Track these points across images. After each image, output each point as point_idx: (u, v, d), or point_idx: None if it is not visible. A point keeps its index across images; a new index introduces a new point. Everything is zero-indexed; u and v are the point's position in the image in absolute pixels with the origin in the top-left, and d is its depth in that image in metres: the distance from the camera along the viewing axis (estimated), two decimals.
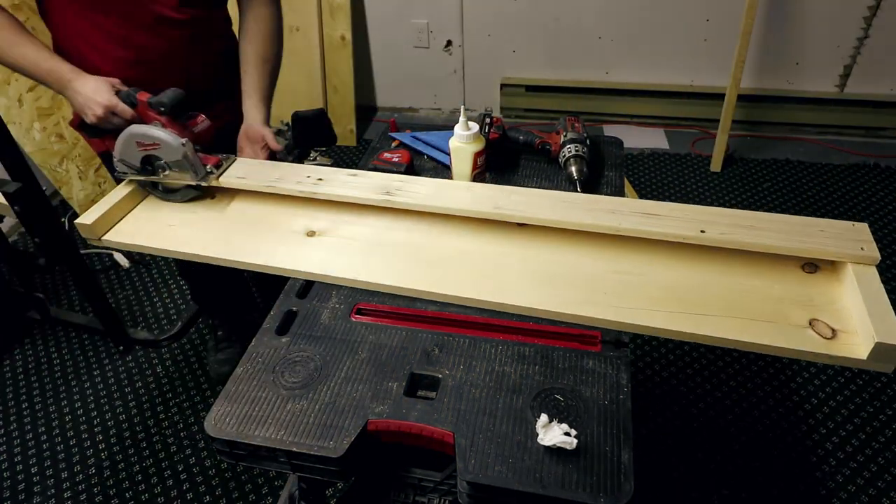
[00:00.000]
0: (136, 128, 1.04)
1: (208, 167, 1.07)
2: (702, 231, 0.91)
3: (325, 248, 1.02)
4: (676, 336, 0.85)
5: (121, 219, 1.11)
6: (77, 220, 1.05)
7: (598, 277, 0.93)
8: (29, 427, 1.78)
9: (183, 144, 1.03)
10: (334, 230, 1.05)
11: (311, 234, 1.05)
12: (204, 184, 1.07)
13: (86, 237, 1.07)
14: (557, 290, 0.91)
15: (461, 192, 1.03)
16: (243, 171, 1.10)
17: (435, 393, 0.82)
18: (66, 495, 1.60)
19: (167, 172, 1.06)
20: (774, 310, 0.86)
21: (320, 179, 1.08)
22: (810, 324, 0.84)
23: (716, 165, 2.62)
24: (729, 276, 0.92)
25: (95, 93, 1.06)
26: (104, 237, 1.07)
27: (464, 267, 0.97)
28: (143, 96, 1.05)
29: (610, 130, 2.82)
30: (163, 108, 1.04)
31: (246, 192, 1.12)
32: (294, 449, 0.76)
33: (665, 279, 0.92)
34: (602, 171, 1.23)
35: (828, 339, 0.81)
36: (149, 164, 1.07)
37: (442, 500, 0.92)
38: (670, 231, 0.92)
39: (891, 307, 0.79)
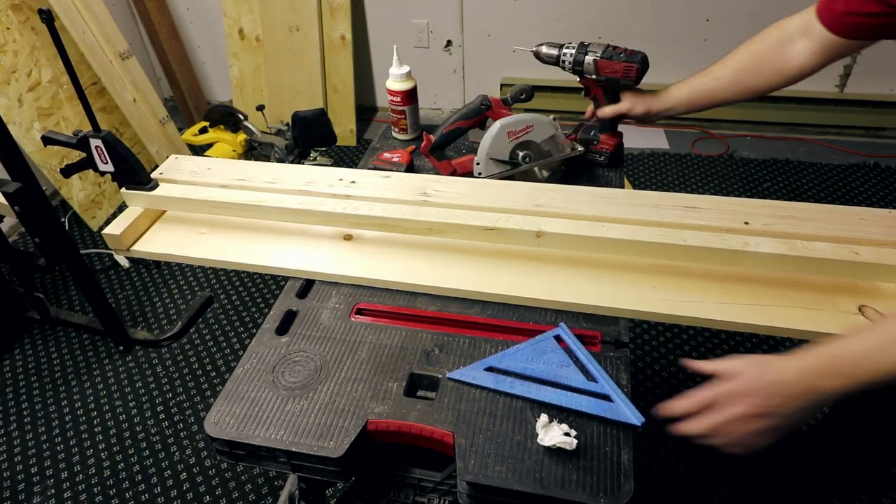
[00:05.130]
0: (504, 120, 1.09)
1: (570, 143, 1.16)
2: (745, 223, 0.91)
3: (365, 251, 1.01)
4: (731, 327, 0.86)
5: (148, 227, 1.10)
6: (105, 231, 1.04)
7: (645, 272, 0.93)
8: (29, 427, 1.78)
9: (554, 119, 1.10)
10: (370, 234, 1.04)
11: (348, 237, 1.04)
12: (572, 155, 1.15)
13: (113, 248, 1.06)
14: (608, 287, 0.91)
15: (499, 191, 1.02)
16: (270, 174, 1.10)
17: (435, 393, 0.82)
18: (66, 495, 1.60)
19: (529, 162, 1.12)
20: (823, 298, 0.87)
21: (353, 182, 1.07)
22: (860, 310, 0.85)
23: None
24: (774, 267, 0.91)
25: None
26: (133, 247, 1.06)
27: (509, 266, 0.96)
28: (494, 98, 1.13)
29: None
30: (523, 96, 1.12)
31: None
32: (294, 449, 0.76)
33: (712, 269, 0.92)
34: (602, 170, 1.23)
35: None
36: (514, 157, 1.12)
37: (442, 500, 0.92)
38: (714, 224, 0.92)
39: None
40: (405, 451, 0.88)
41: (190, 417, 1.77)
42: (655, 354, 1.86)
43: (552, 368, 0.81)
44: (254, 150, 2.36)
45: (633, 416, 0.75)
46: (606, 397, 0.78)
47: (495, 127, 1.09)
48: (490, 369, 0.82)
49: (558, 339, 0.86)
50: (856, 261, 0.85)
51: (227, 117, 2.36)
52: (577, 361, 0.82)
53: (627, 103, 1.15)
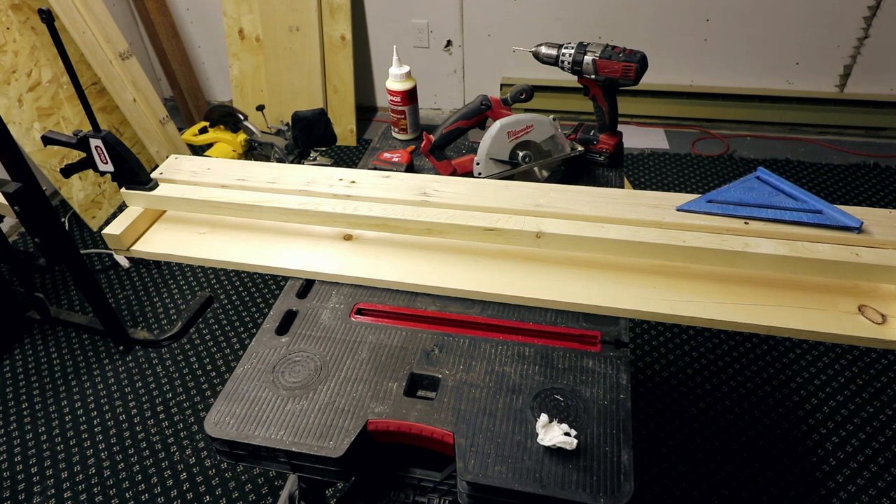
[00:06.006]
0: (503, 120, 1.10)
1: (570, 143, 1.15)
2: (745, 223, 0.91)
3: (365, 251, 1.01)
4: (731, 327, 0.86)
5: (148, 228, 1.10)
6: (105, 231, 1.04)
7: (645, 272, 0.93)
8: (29, 427, 1.78)
9: (554, 119, 1.10)
10: (370, 234, 1.04)
11: (348, 238, 1.05)
12: (571, 155, 1.15)
13: (113, 248, 1.06)
14: (608, 287, 0.91)
15: (499, 192, 1.02)
16: (270, 174, 1.10)
17: (435, 393, 0.82)
18: (66, 495, 1.60)
19: (529, 162, 1.12)
20: (822, 298, 0.87)
21: (353, 182, 1.07)
22: (860, 310, 0.85)
23: None
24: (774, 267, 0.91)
25: None
26: (133, 247, 1.06)
27: (508, 266, 0.96)
28: (494, 98, 1.13)
29: None
30: (523, 96, 1.12)
31: None
32: (294, 449, 0.76)
33: (712, 270, 0.92)
34: (602, 170, 1.23)
35: (878, 324, 0.83)
36: (514, 157, 1.12)
37: (442, 500, 0.91)
38: (716, 224, 0.92)
39: None
40: (405, 451, 0.88)
41: (190, 417, 1.77)
42: (655, 354, 1.86)
43: (764, 197, 0.93)
44: (254, 150, 2.37)
45: (848, 220, 0.87)
46: (817, 211, 0.89)
47: (495, 127, 1.10)
48: (711, 201, 0.94)
49: (759, 179, 0.97)
50: (856, 262, 0.85)
51: (227, 117, 2.36)
52: (783, 192, 0.94)
53: None
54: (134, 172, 1.07)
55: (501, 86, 2.90)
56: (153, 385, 1.87)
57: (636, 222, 0.95)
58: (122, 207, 1.83)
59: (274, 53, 2.84)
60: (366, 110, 3.15)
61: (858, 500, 1.49)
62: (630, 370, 0.83)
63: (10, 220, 1.82)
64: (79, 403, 1.83)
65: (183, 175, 1.13)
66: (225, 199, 1.05)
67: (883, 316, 0.83)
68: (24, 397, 1.86)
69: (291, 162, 2.25)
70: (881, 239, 0.88)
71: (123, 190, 1.09)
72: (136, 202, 1.10)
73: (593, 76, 1.13)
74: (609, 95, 1.17)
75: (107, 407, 1.82)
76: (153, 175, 1.13)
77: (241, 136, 2.34)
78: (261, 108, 2.37)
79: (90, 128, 1.06)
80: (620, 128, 1.23)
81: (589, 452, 0.73)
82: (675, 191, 2.51)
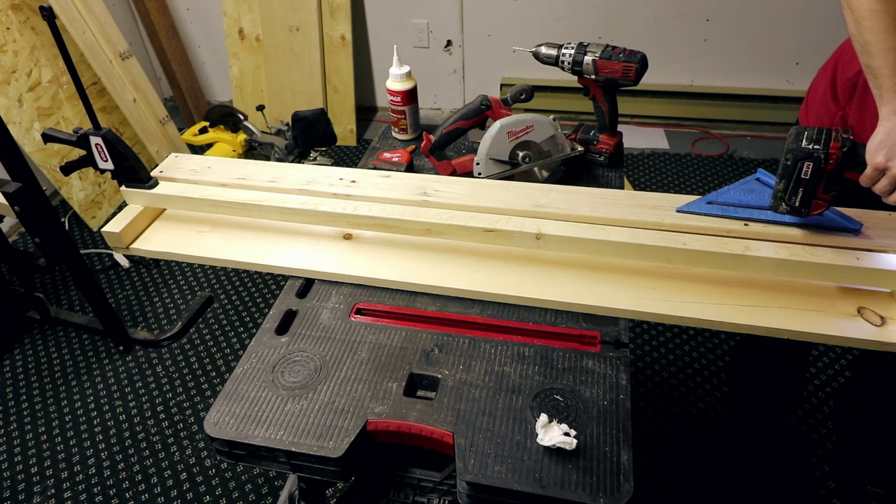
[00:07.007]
0: (503, 120, 1.10)
1: (570, 143, 1.16)
2: (745, 225, 0.92)
3: (365, 251, 1.01)
4: (731, 328, 0.86)
5: (148, 226, 1.10)
6: (104, 229, 1.04)
7: (645, 273, 0.93)
8: (29, 427, 1.78)
9: (554, 119, 1.11)
10: (370, 233, 1.04)
11: (347, 237, 1.04)
12: (571, 155, 1.15)
13: (112, 246, 1.06)
14: (608, 287, 0.91)
15: (499, 192, 1.02)
16: (270, 174, 1.10)
17: (434, 393, 0.82)
18: (66, 495, 1.60)
19: (529, 162, 1.12)
20: (822, 300, 0.87)
21: (353, 182, 1.07)
22: (859, 312, 0.85)
23: None
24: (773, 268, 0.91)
25: None
26: (132, 245, 1.06)
27: (508, 266, 0.96)
28: (494, 98, 1.14)
29: None
30: (523, 96, 1.13)
31: None
32: (294, 449, 0.76)
33: (712, 272, 0.92)
34: (602, 171, 1.23)
35: (878, 326, 0.83)
36: (514, 157, 1.12)
37: (442, 500, 0.91)
38: (715, 225, 0.92)
39: None
40: (405, 451, 0.88)
41: (190, 417, 1.77)
42: (655, 354, 1.86)
43: (764, 199, 0.92)
44: (254, 150, 2.36)
45: (848, 222, 0.86)
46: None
47: (495, 127, 1.10)
48: (711, 203, 0.94)
49: (759, 181, 0.96)
50: (856, 265, 0.85)
51: (227, 117, 2.36)
52: None
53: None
54: (134, 170, 1.07)
55: (501, 86, 2.90)
56: (153, 385, 1.87)
57: (636, 224, 0.95)
58: (122, 207, 1.83)
59: (274, 53, 2.84)
60: (366, 110, 3.14)
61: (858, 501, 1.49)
62: (630, 370, 0.83)
63: (10, 220, 1.82)
64: (79, 403, 1.83)
65: (183, 173, 1.13)
66: (225, 198, 1.06)
67: (882, 318, 0.83)
68: (24, 397, 1.86)
69: (291, 162, 2.25)
70: (881, 241, 0.88)
71: (123, 188, 1.09)
72: (136, 200, 1.10)
73: (593, 76, 1.13)
74: (609, 95, 1.17)
75: (107, 407, 1.82)
76: (153, 173, 1.13)
77: (241, 136, 2.34)
78: (261, 108, 2.37)
79: (90, 126, 1.06)
80: (620, 128, 1.23)
81: (588, 452, 0.73)
82: (675, 191, 2.51)
